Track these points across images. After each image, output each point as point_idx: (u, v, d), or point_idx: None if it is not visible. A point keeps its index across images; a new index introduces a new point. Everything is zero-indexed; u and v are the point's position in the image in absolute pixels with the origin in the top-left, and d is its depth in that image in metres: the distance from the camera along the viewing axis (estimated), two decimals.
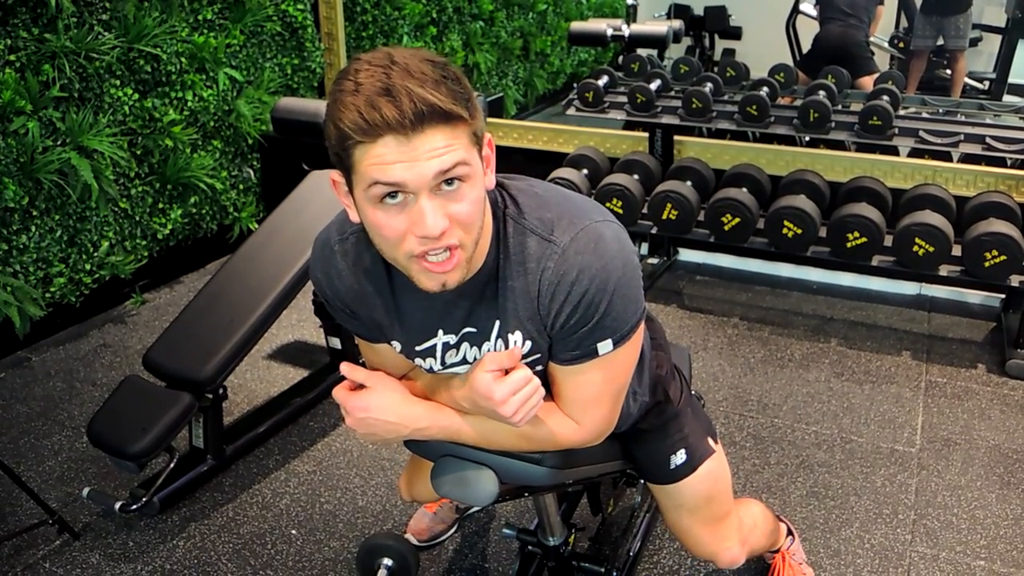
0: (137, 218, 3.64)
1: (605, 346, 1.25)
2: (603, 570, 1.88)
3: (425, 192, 1.07)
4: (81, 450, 2.69)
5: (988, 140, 3.34)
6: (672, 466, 1.64)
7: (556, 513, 1.77)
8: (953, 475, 2.54)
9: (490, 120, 4.03)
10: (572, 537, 1.87)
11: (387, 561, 1.84)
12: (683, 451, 1.64)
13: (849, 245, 3.14)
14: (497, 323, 1.28)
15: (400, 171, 1.05)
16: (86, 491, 2.36)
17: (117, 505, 2.29)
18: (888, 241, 3.15)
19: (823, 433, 2.74)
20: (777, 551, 2.04)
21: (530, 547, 1.88)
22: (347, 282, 1.31)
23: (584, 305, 1.21)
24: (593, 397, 1.33)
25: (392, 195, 1.08)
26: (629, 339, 1.27)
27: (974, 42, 5.49)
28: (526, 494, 1.59)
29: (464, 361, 1.34)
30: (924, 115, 3.80)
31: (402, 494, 1.80)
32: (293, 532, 2.34)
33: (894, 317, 3.55)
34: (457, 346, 1.32)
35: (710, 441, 1.69)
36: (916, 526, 2.33)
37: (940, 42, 5.32)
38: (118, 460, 2.29)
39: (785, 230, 3.21)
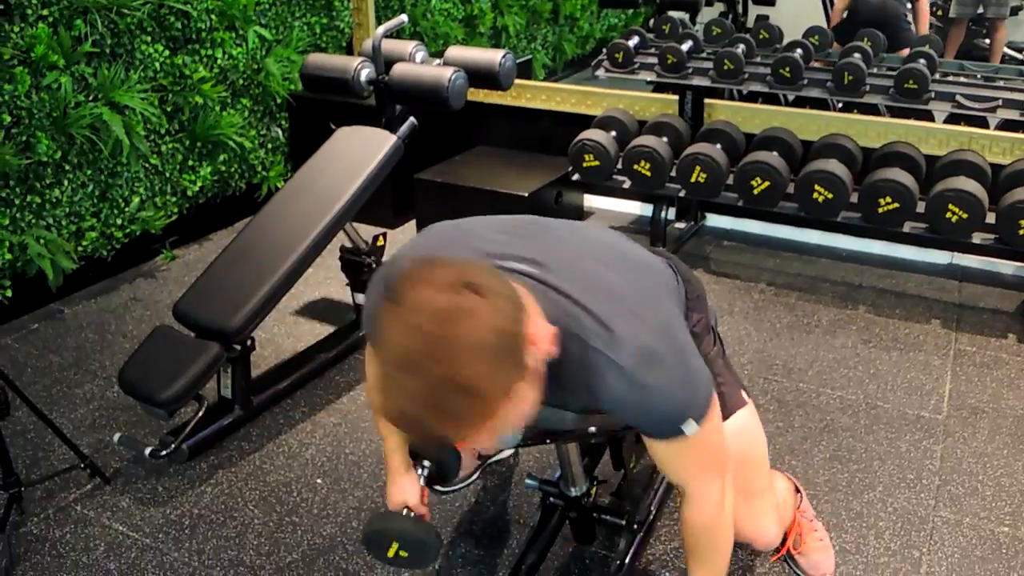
0: (167, 174, 3.67)
1: (690, 428, 1.30)
2: (624, 522, 1.90)
3: None
4: (112, 399, 2.73)
5: None
6: None
7: (579, 463, 1.78)
8: (979, 442, 2.52)
9: (518, 82, 3.99)
10: (594, 489, 1.88)
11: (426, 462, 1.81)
12: None
13: (881, 210, 3.10)
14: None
15: None
16: (117, 436, 2.42)
17: (147, 451, 2.34)
18: (920, 208, 3.11)
19: (848, 398, 2.73)
20: (790, 521, 2.04)
21: (552, 498, 1.90)
22: None
23: (653, 414, 1.29)
24: (694, 467, 1.42)
25: None
26: (711, 412, 1.33)
27: (1015, 11, 5.35)
28: (548, 441, 1.60)
29: None
30: (961, 79, 3.72)
31: None
32: (318, 481, 2.38)
33: (924, 286, 3.51)
34: None
35: (743, 393, 1.69)
36: (940, 492, 2.32)
37: (980, 10, 5.20)
38: (148, 407, 2.33)
39: (816, 195, 3.17)
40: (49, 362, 2.97)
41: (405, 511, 1.62)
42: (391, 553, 1.59)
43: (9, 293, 3.14)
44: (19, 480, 2.20)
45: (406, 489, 1.65)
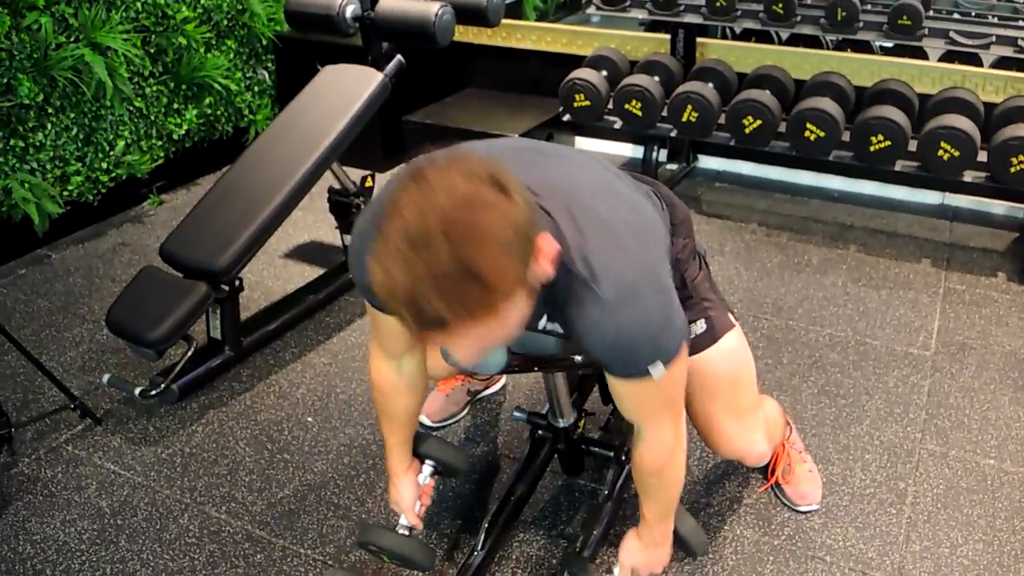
0: (152, 118, 3.62)
1: (656, 370, 1.29)
2: (612, 454, 1.91)
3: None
4: (102, 342, 2.73)
5: (1020, 42, 3.23)
6: (692, 336, 1.64)
7: (566, 395, 1.78)
8: (967, 378, 2.54)
9: (507, 22, 3.94)
10: (582, 422, 1.89)
11: (429, 461, 1.75)
12: (702, 321, 1.64)
13: (872, 149, 3.08)
14: (544, 318, 1.34)
15: (427, 339, 1.08)
16: (106, 377, 2.41)
17: (137, 391, 2.33)
18: (912, 146, 3.08)
19: (837, 335, 2.74)
20: (779, 442, 2.06)
21: (540, 431, 1.90)
22: None
23: (624, 351, 1.26)
24: (653, 408, 1.42)
25: None
26: (679, 357, 1.32)
27: None
28: (536, 368, 1.60)
29: None
30: (955, 16, 3.67)
31: None
32: (309, 419, 2.39)
33: (915, 226, 3.50)
34: None
35: (730, 316, 1.70)
36: (927, 425, 2.34)
37: None
38: (137, 347, 2.33)
39: (808, 133, 3.14)
40: (38, 306, 2.96)
41: (399, 527, 1.66)
42: (384, 560, 1.66)
43: None
44: (9, 421, 2.21)
45: (403, 492, 1.68)
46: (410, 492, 1.69)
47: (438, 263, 0.98)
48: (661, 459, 1.50)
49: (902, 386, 2.50)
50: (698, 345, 1.64)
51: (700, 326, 1.64)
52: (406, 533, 1.67)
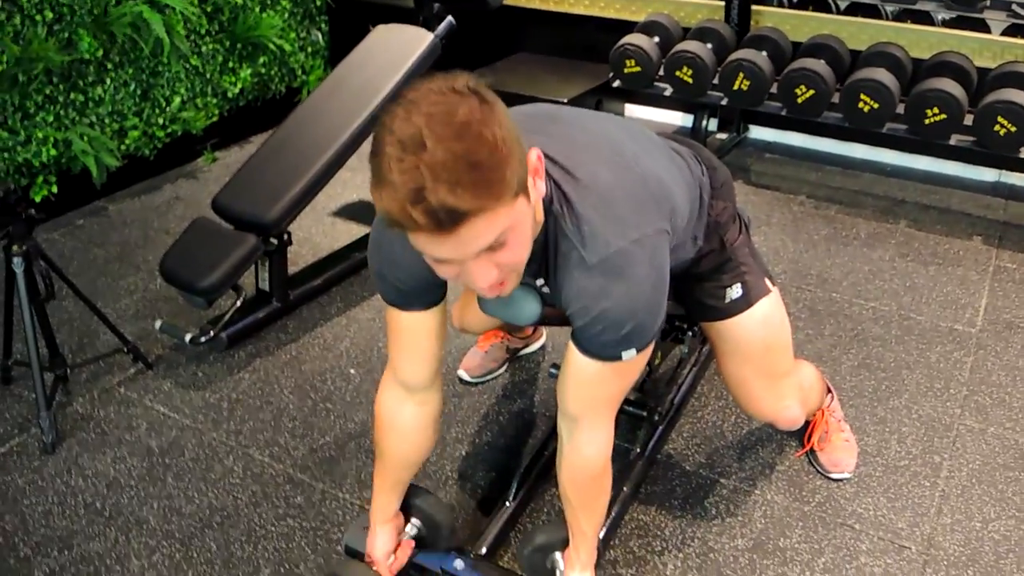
0: (208, 76, 3.69)
1: (629, 354, 1.29)
2: (645, 414, 1.93)
3: (470, 258, 1.08)
4: (155, 291, 2.81)
5: None
6: (728, 299, 1.65)
7: None
8: (1011, 356, 2.50)
9: None
10: None
11: (415, 519, 1.68)
12: (739, 285, 1.65)
13: (927, 122, 3.03)
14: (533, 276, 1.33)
15: (442, 251, 1.07)
16: (158, 323, 2.49)
17: (187, 337, 2.41)
18: (968, 121, 3.02)
19: (881, 309, 2.71)
20: (818, 408, 2.06)
21: None
22: (406, 268, 1.32)
23: (609, 326, 1.24)
24: (605, 397, 1.39)
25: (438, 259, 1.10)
26: (651, 344, 1.31)
27: None
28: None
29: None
30: None
31: (453, 321, 1.85)
32: (352, 371, 2.45)
33: (968, 202, 3.44)
34: None
35: (767, 281, 1.70)
36: (967, 401, 2.32)
37: None
38: (188, 295, 2.40)
39: (861, 104, 3.09)
40: (94, 256, 3.06)
41: (368, 563, 1.60)
42: None
43: (55, 189, 3.22)
44: (65, 362, 2.30)
45: (379, 542, 1.61)
46: (387, 543, 1.62)
47: (433, 157, 0.98)
48: (599, 460, 1.45)
49: (944, 362, 2.47)
50: (733, 309, 1.65)
51: (736, 291, 1.64)
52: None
